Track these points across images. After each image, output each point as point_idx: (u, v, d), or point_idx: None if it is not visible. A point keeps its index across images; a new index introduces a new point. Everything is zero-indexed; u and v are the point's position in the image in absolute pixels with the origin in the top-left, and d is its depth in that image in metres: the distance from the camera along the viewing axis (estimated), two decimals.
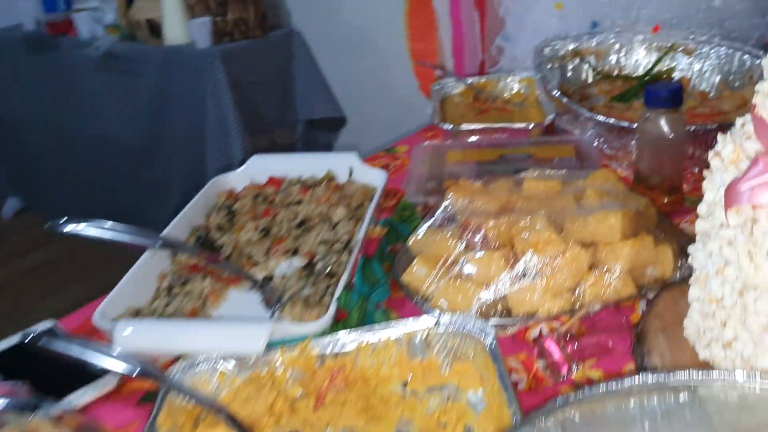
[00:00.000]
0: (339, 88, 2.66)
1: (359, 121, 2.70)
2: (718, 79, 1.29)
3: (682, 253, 0.77)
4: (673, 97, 0.89)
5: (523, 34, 1.56)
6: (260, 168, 1.07)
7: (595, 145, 1.11)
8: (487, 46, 2.05)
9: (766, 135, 0.55)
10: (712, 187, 0.59)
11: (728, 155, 0.57)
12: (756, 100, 0.57)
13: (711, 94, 1.29)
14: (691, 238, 0.85)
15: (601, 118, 1.05)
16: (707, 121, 1.13)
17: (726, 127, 0.99)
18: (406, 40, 2.22)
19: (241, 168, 1.07)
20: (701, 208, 0.62)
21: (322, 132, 2.74)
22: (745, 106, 1.16)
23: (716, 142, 0.61)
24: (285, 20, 2.69)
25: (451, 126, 1.20)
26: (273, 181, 1.05)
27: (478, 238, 0.75)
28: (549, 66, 1.34)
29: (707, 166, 0.62)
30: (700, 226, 0.62)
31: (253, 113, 2.42)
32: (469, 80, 1.44)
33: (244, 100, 2.35)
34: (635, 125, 1.03)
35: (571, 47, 1.39)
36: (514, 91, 1.43)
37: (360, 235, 0.86)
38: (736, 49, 1.26)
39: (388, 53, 2.40)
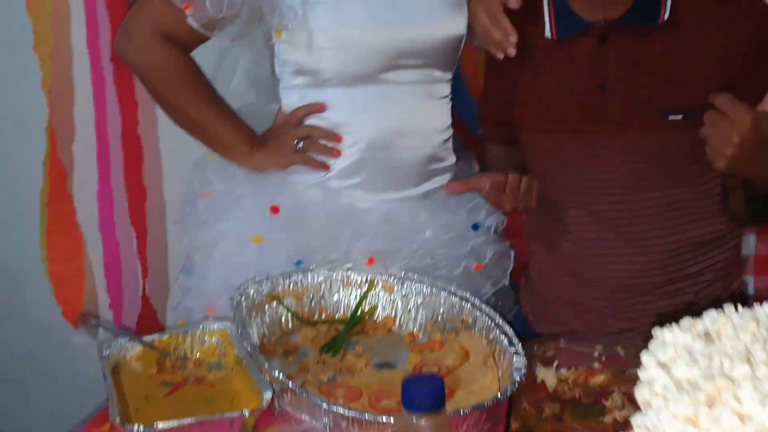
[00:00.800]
0: None
1: None
2: (425, 318, 1.22)
3: None
4: (437, 400, 0.75)
5: (212, 268, 1.31)
6: None
7: None
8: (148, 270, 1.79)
9: None
10: None
11: None
12: None
13: (420, 336, 1.21)
14: None
15: (340, 410, 0.87)
16: None
17: (477, 409, 0.89)
18: (43, 261, 1.83)
19: None
20: None
21: None
22: (467, 356, 1.10)
23: None
24: None
25: (141, 428, 0.90)
26: None
27: None
28: (247, 316, 1.14)
29: None
30: None
31: None
32: (147, 338, 1.15)
33: None
34: (381, 417, 0.87)
35: (266, 290, 1.21)
36: (206, 347, 1.17)
37: None
38: (440, 287, 1.21)
39: (24, 276, 1.95)
